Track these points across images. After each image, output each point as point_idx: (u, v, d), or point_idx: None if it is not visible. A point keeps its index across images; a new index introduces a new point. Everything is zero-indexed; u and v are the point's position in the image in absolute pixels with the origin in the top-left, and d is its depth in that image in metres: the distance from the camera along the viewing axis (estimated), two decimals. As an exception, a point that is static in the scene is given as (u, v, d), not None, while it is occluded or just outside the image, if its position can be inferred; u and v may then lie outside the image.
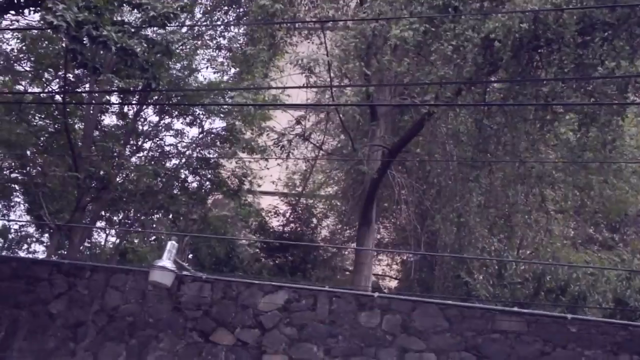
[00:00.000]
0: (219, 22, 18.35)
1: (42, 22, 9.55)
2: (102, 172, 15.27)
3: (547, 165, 14.58)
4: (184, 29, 17.39)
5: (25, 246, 18.53)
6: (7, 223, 17.92)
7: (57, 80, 17.19)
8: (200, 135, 17.78)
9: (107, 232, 18.69)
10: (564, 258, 15.13)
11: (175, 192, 17.09)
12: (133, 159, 17.41)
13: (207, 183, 17.62)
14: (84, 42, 9.89)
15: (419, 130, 14.08)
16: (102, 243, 18.88)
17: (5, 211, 17.54)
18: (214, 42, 17.93)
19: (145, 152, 17.90)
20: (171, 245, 10.42)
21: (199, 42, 17.91)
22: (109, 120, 18.54)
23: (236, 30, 18.25)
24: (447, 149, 15.30)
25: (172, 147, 17.94)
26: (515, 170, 14.57)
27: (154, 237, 18.68)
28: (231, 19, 18.30)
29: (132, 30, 10.66)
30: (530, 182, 14.77)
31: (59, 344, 10.45)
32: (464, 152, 15.13)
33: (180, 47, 16.85)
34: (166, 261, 10.13)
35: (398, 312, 9.65)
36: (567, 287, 13.63)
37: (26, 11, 10.58)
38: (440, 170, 15.38)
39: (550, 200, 15.45)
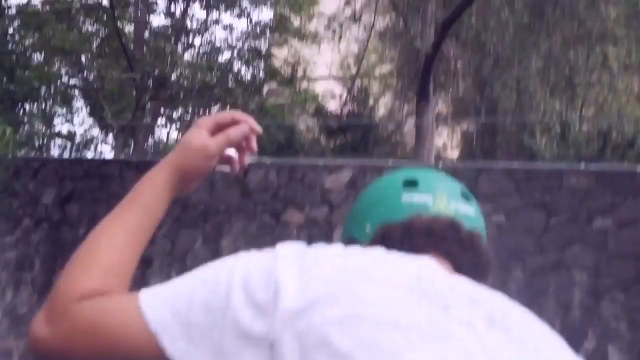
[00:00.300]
0: None
1: None
2: (157, 72, 15.42)
3: (608, 23, 14.11)
4: None
5: (92, 148, 19.04)
6: (72, 128, 18.39)
7: (103, -16, 17.20)
8: (250, 27, 17.70)
9: (169, 128, 19.04)
10: (629, 114, 14.82)
11: (230, 85, 17.17)
12: (186, 57, 17.53)
13: (261, 73, 17.67)
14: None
15: (472, 1, 13.71)
16: (165, 140, 19.27)
17: (69, 116, 17.96)
18: None
19: (197, 48, 17.98)
20: (234, 133, 10.53)
21: None
22: (158, 20, 18.57)
23: None
24: (502, 16, 14.91)
25: (222, 41, 17.96)
26: (575, 32, 14.17)
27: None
28: None
29: None
30: (590, 42, 14.36)
31: (137, 234, 10.85)
32: (520, 19, 14.73)
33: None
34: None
35: (464, 179, 9.66)
36: (634, 142, 13.40)
37: None
38: (497, 39, 15.04)
39: (613, 58, 15.02)
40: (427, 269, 1.06)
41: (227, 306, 0.96)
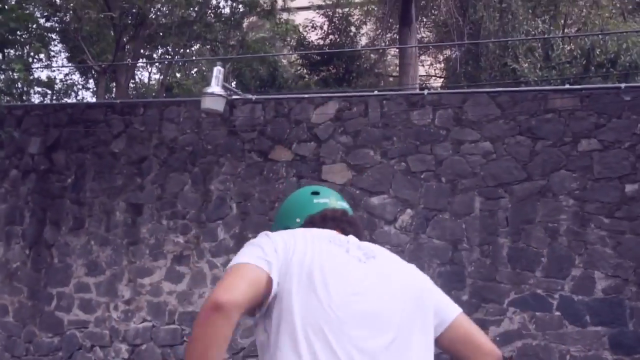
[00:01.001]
0: None
1: None
2: (134, 10, 15.14)
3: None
4: None
5: (73, 94, 18.79)
6: (51, 74, 18.10)
7: None
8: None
9: (150, 69, 18.79)
10: (613, 29, 14.70)
11: (209, 20, 16.88)
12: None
13: (240, 6, 17.33)
14: None
15: None
16: (147, 81, 19.05)
17: (47, 62, 17.67)
18: None
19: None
20: (217, 70, 10.44)
21: None
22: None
23: None
24: None
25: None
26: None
27: (195, 70, 18.68)
28: None
29: None
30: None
31: (126, 180, 10.87)
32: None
33: None
34: (215, 87, 10.17)
35: (449, 107, 9.67)
36: (617, 59, 13.33)
37: None
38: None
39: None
40: (335, 234, 2.12)
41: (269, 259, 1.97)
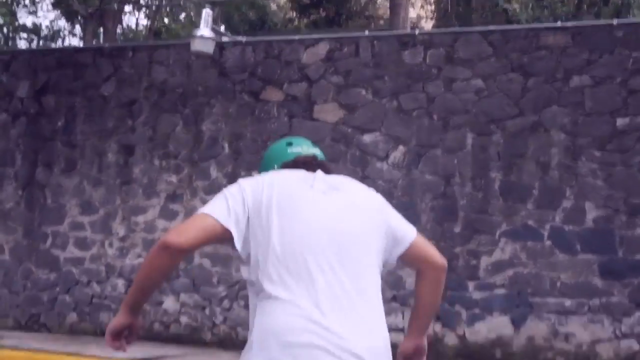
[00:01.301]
0: None
1: None
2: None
3: None
4: None
5: (59, 41, 18.52)
6: (37, 20, 17.86)
7: None
8: None
9: (137, 15, 18.54)
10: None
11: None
12: None
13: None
14: None
15: None
16: (134, 27, 18.83)
17: (32, 8, 17.37)
18: None
19: None
20: (206, 13, 10.36)
21: None
22: None
23: None
24: None
25: None
26: None
27: (183, 15, 18.46)
28: None
29: None
30: None
31: (117, 122, 10.83)
32: None
33: None
34: (204, 29, 10.11)
35: (441, 46, 9.64)
36: (609, -2, 13.26)
37: None
38: None
39: None
40: (302, 172, 2.39)
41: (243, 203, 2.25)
